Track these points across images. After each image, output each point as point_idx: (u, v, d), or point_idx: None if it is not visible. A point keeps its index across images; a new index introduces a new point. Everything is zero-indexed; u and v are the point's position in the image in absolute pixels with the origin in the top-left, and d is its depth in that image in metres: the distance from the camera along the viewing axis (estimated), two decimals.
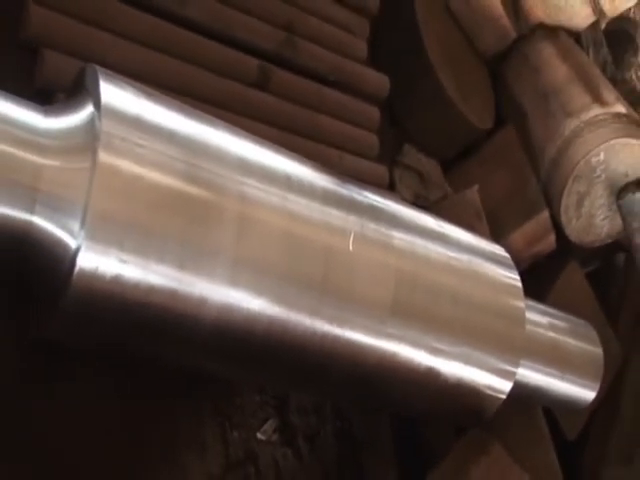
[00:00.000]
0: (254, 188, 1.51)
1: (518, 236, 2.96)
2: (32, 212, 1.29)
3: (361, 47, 2.75)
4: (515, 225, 2.97)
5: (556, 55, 3.36)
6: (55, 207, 1.30)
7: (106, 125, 1.32)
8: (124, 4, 1.95)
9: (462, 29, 3.29)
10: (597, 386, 2.49)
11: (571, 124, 3.12)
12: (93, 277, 1.30)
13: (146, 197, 1.34)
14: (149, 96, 1.49)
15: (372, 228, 1.73)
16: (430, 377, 1.85)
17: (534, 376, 2.23)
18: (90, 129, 1.34)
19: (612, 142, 2.99)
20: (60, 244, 1.31)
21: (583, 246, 3.29)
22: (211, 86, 2.11)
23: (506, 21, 3.27)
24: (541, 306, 2.40)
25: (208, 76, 2.12)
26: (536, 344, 2.22)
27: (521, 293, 2.10)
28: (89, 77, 1.44)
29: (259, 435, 1.98)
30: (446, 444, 2.25)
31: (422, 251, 1.85)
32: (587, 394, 2.47)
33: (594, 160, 3.02)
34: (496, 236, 2.72)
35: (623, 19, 3.87)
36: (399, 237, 1.78)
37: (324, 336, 1.61)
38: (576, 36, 3.63)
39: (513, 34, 3.33)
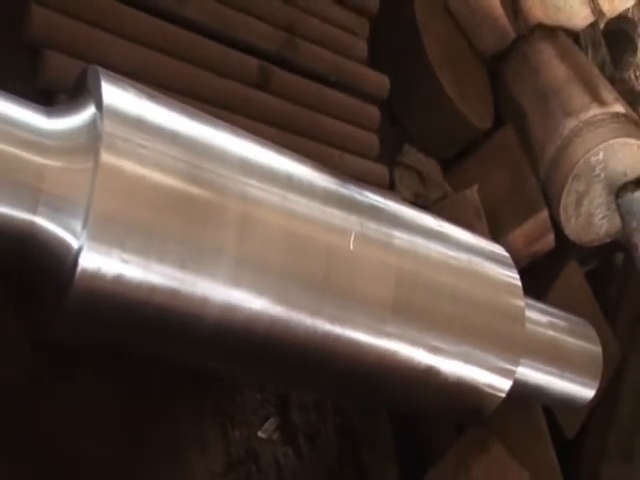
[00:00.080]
0: (255, 188, 1.51)
1: (517, 235, 2.96)
2: (35, 212, 1.29)
3: (361, 47, 2.75)
4: (514, 224, 2.98)
5: (555, 55, 3.37)
6: (57, 207, 1.31)
7: (108, 126, 1.33)
8: (126, 5, 1.96)
9: (461, 29, 3.30)
10: (596, 384, 2.50)
11: (570, 124, 3.13)
12: (95, 277, 1.30)
13: (148, 197, 1.35)
14: (151, 97, 1.49)
15: (373, 228, 1.73)
16: (430, 375, 1.85)
17: (534, 374, 2.24)
18: (92, 130, 1.35)
19: (611, 142, 3.00)
20: (62, 244, 1.31)
21: (582, 245, 3.30)
22: (212, 86, 2.12)
23: (505, 21, 3.27)
24: (540, 305, 2.41)
25: (209, 76, 2.12)
26: (536, 343, 2.23)
27: (521, 292, 2.11)
28: (91, 78, 1.45)
29: (260, 433, 1.99)
30: (446, 442, 2.25)
31: (422, 250, 1.86)
32: (586, 392, 2.48)
33: (593, 159, 3.03)
34: (495, 235, 2.73)
35: (622, 19, 3.88)
36: (399, 236, 1.79)
37: (325, 335, 1.62)
38: (575, 36, 3.64)
39: (512, 34, 3.34)
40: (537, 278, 2.79)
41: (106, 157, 1.31)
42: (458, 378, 1.91)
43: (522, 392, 2.21)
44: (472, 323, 1.93)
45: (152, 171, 1.36)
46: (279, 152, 1.69)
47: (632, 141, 3.01)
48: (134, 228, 1.33)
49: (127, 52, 1.91)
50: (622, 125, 3.07)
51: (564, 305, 2.58)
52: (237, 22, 2.27)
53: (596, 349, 2.54)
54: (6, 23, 1.75)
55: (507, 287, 2.09)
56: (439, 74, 2.92)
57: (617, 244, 3.44)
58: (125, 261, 1.32)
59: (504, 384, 2.04)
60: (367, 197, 1.81)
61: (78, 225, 1.29)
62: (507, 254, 2.21)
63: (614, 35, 3.95)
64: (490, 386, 2.01)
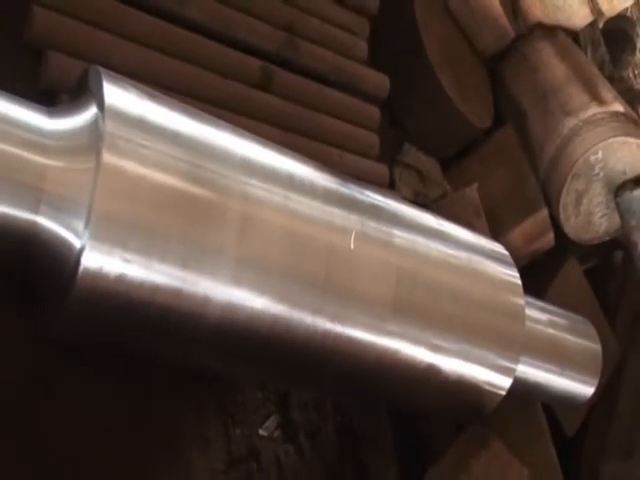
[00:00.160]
0: (257, 188, 1.52)
1: (517, 234, 2.97)
2: (37, 212, 1.30)
3: (361, 47, 2.76)
4: (514, 223, 2.98)
5: (554, 54, 3.37)
6: (59, 207, 1.31)
7: (110, 126, 1.34)
8: (126, 5, 1.97)
9: (461, 29, 3.30)
10: (596, 382, 2.50)
11: (570, 123, 3.13)
12: (97, 276, 1.31)
13: (150, 197, 1.36)
14: (152, 97, 1.50)
15: (373, 227, 1.74)
16: (431, 374, 1.86)
17: (533, 372, 2.24)
18: (94, 130, 1.36)
19: (610, 140, 3.01)
20: (65, 244, 1.32)
21: (581, 243, 3.31)
22: (214, 87, 2.13)
23: (505, 21, 3.27)
24: (540, 303, 2.42)
25: (210, 77, 2.13)
26: (535, 341, 2.23)
27: (521, 290, 2.12)
28: (92, 78, 1.45)
29: (261, 431, 1.99)
30: (446, 440, 2.26)
31: (422, 249, 1.87)
32: (586, 390, 2.49)
33: (592, 158, 3.03)
34: (495, 234, 2.74)
35: (621, 18, 3.88)
36: (400, 235, 1.80)
37: (326, 334, 1.62)
38: (574, 35, 3.65)
39: (512, 34, 3.34)
40: (537, 276, 2.80)
41: (108, 157, 1.31)
42: (458, 376, 1.92)
43: (522, 390, 2.21)
44: (472, 321, 1.93)
45: (154, 171, 1.37)
46: (280, 152, 1.69)
47: (631, 140, 3.01)
48: (136, 228, 1.34)
49: (128, 52, 1.91)
50: (621, 124, 3.08)
51: (564, 303, 2.59)
52: (237, 22, 2.27)
53: (596, 347, 2.54)
54: (7, 23, 1.75)
55: (507, 285, 2.10)
56: (439, 74, 2.93)
57: (616, 242, 3.45)
58: (127, 261, 1.32)
59: (504, 382, 2.04)
60: (367, 196, 1.82)
61: (80, 225, 1.30)
62: (507, 252, 2.22)
63: (613, 34, 3.95)
64: (490, 384, 2.02)
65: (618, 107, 3.15)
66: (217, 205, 1.44)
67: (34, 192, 1.29)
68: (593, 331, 2.58)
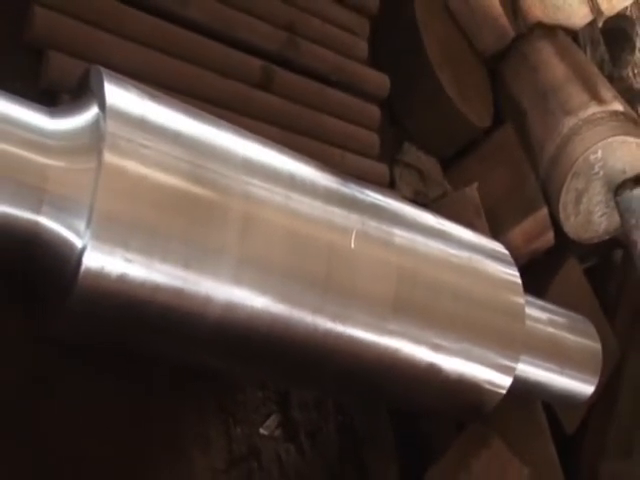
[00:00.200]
0: (258, 188, 1.52)
1: (517, 233, 2.97)
2: (38, 212, 1.30)
3: (362, 47, 2.76)
4: (514, 222, 2.99)
5: (554, 54, 3.37)
6: (61, 207, 1.32)
7: (111, 126, 1.34)
8: (128, 6, 1.97)
9: (461, 29, 3.30)
10: (596, 381, 2.51)
11: (569, 122, 3.13)
12: (99, 276, 1.31)
13: (151, 197, 1.36)
14: (153, 97, 1.50)
15: (373, 226, 1.74)
16: (431, 373, 1.86)
17: (534, 371, 2.25)
18: (95, 130, 1.36)
19: (610, 140, 3.01)
20: (66, 244, 1.32)
21: (581, 242, 3.31)
22: (214, 87, 2.13)
23: (505, 20, 3.28)
24: (540, 302, 2.42)
25: (211, 77, 2.13)
26: (535, 339, 2.24)
27: (521, 289, 2.12)
28: (93, 78, 1.46)
29: (262, 430, 2.00)
30: (446, 440, 2.26)
31: (423, 248, 1.87)
32: (586, 389, 2.49)
33: (592, 157, 3.04)
34: (495, 233, 2.74)
35: (620, 17, 3.89)
36: (400, 235, 1.80)
37: (327, 333, 1.63)
38: (574, 35, 3.65)
39: (512, 33, 3.35)
40: (537, 275, 2.80)
41: (109, 157, 1.32)
42: (459, 375, 1.92)
43: (522, 389, 2.22)
44: (473, 320, 1.94)
45: (155, 171, 1.37)
46: (281, 152, 1.70)
47: (631, 139, 3.02)
48: (137, 228, 1.34)
49: (129, 52, 1.91)
50: (621, 123, 3.08)
51: (563, 302, 2.59)
52: (238, 22, 2.28)
53: (595, 346, 2.55)
54: (8, 23, 1.75)
55: (507, 285, 2.10)
56: (439, 73, 2.93)
57: (616, 241, 3.45)
58: (128, 260, 1.33)
59: (504, 381, 2.05)
60: (368, 196, 1.82)
61: (82, 225, 1.30)
62: (507, 252, 2.22)
63: (612, 33, 3.95)
64: (491, 383, 2.03)
65: (618, 106, 3.16)
66: (218, 205, 1.45)
67: (36, 192, 1.30)
68: (593, 330, 2.59)
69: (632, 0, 3.64)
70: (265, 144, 1.68)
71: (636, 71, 4.04)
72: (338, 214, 1.68)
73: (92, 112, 1.40)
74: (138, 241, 1.34)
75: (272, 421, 2.03)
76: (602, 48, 3.83)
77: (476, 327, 1.95)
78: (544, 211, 3.05)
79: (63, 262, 1.34)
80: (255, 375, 1.97)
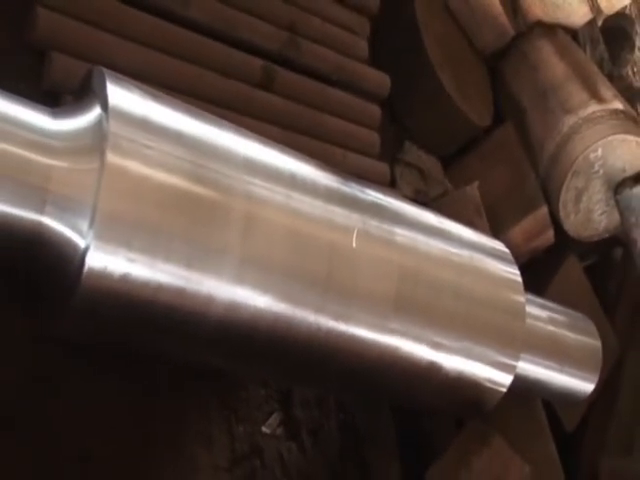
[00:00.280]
0: (260, 187, 1.53)
1: (517, 231, 2.98)
2: (42, 212, 1.31)
3: (362, 47, 2.76)
4: (514, 220, 2.99)
5: (554, 53, 3.38)
6: (64, 207, 1.32)
7: (114, 126, 1.35)
8: (129, 6, 1.97)
9: (461, 28, 3.31)
10: (596, 378, 2.51)
11: (569, 121, 3.14)
12: (102, 276, 1.32)
13: (154, 197, 1.37)
14: (155, 97, 1.51)
15: (375, 225, 1.75)
16: (432, 371, 1.87)
17: (534, 369, 2.25)
18: (98, 130, 1.37)
19: (610, 138, 3.02)
20: (69, 244, 1.33)
21: (581, 241, 3.32)
22: (216, 86, 2.13)
23: (504, 19, 3.28)
24: (540, 300, 2.42)
25: (213, 77, 2.13)
26: (536, 338, 2.24)
27: (521, 288, 2.13)
28: (96, 79, 1.46)
29: (264, 429, 2.00)
30: (447, 437, 2.27)
31: (424, 247, 1.88)
32: (586, 386, 2.50)
33: (592, 156, 3.04)
34: (495, 231, 2.75)
35: (619, 16, 3.89)
36: (401, 234, 1.81)
37: (328, 332, 1.63)
38: (573, 33, 3.66)
39: (511, 32, 3.35)
40: (537, 273, 2.80)
41: (112, 157, 1.32)
42: (460, 373, 1.93)
43: (522, 387, 2.22)
44: (473, 319, 1.94)
45: (157, 171, 1.38)
46: (283, 151, 1.70)
47: (631, 137, 3.02)
48: (140, 227, 1.35)
49: (131, 53, 1.92)
50: (621, 122, 3.08)
51: (563, 300, 2.60)
52: (239, 22, 2.28)
53: (595, 343, 2.55)
54: (11, 25, 1.76)
55: (508, 283, 2.11)
56: (439, 73, 2.93)
57: (616, 239, 3.46)
58: (131, 260, 1.33)
59: (505, 379, 2.06)
60: (369, 195, 1.83)
61: (85, 225, 1.31)
62: (507, 250, 2.23)
63: (612, 32, 3.95)
64: (491, 381, 2.03)
65: (617, 105, 3.16)
66: (220, 205, 1.46)
67: (39, 192, 1.30)
68: (593, 328, 2.59)
69: None
70: (266, 144, 1.68)
71: (635, 70, 4.04)
72: (339, 213, 1.68)
73: (95, 113, 1.40)
74: (141, 241, 1.34)
75: (274, 419, 2.04)
76: (602, 47, 3.83)
77: (477, 325, 1.96)
78: (544, 209, 3.05)
79: (66, 262, 1.34)
80: (257, 374, 1.97)
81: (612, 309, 3.52)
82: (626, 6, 3.85)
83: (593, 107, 3.14)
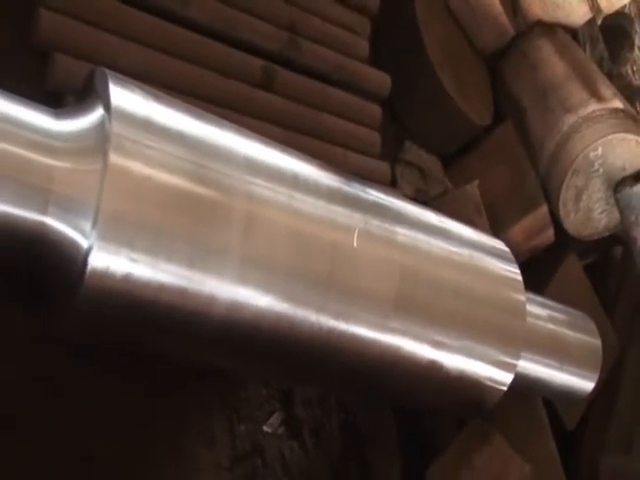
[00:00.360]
0: (261, 187, 1.53)
1: (517, 230, 2.98)
2: (45, 213, 1.32)
3: (363, 46, 2.77)
4: (514, 219, 3.00)
5: (554, 52, 3.38)
6: (67, 208, 1.33)
7: (116, 127, 1.35)
8: (131, 7, 1.97)
9: (461, 27, 3.31)
10: (596, 377, 2.51)
11: (569, 119, 3.14)
12: (105, 276, 1.32)
13: (156, 197, 1.37)
14: (157, 98, 1.51)
15: (376, 225, 1.75)
16: (433, 370, 1.88)
17: (534, 368, 2.25)
18: (100, 131, 1.37)
19: (610, 137, 3.02)
20: (72, 244, 1.34)
21: (581, 239, 3.32)
22: (216, 87, 2.14)
23: (504, 19, 3.29)
24: (540, 299, 2.42)
25: (213, 77, 2.14)
26: (536, 336, 2.24)
27: (522, 286, 2.13)
28: (98, 80, 1.47)
29: (265, 428, 2.01)
30: (449, 436, 2.27)
31: (425, 246, 1.88)
32: (586, 385, 2.50)
33: (592, 155, 3.05)
34: (495, 230, 2.75)
35: (619, 15, 3.90)
36: (402, 233, 1.81)
37: (330, 331, 1.64)
38: (573, 32, 3.66)
39: (511, 31, 3.36)
40: (537, 272, 2.81)
41: (114, 158, 1.33)
42: (460, 372, 1.93)
43: (523, 385, 2.22)
44: (474, 318, 1.94)
45: (160, 171, 1.38)
46: (284, 151, 1.70)
47: (630, 136, 3.03)
48: (142, 228, 1.35)
49: (132, 53, 1.92)
50: (620, 121, 3.09)
51: (563, 298, 2.60)
52: (240, 22, 2.28)
53: (595, 342, 2.55)
54: (14, 26, 1.76)
55: (508, 282, 2.11)
56: (439, 72, 2.94)
57: (616, 238, 3.47)
58: (134, 260, 1.34)
59: (506, 378, 2.06)
60: (370, 194, 1.83)
61: (87, 225, 1.31)
62: (507, 249, 2.23)
63: (611, 31, 3.96)
64: (492, 380, 2.04)
65: (617, 104, 3.16)
66: (222, 205, 1.46)
67: (42, 193, 1.31)
68: (593, 326, 2.59)
69: None
70: (267, 144, 1.68)
71: (635, 68, 4.05)
72: (341, 213, 1.69)
73: (97, 113, 1.41)
74: (143, 241, 1.35)
75: (275, 418, 2.04)
76: (601, 46, 3.84)
77: (477, 324, 1.96)
78: (544, 208, 3.06)
79: (69, 262, 1.35)
80: (259, 373, 1.98)
81: (612, 307, 3.53)
82: (625, 5, 3.85)
83: (593, 106, 3.14)
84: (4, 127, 1.30)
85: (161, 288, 1.39)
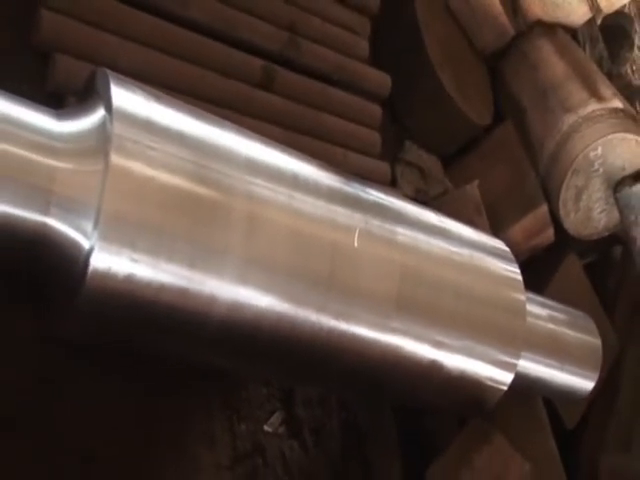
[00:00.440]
0: (262, 187, 1.54)
1: (517, 230, 2.98)
2: (46, 214, 1.32)
3: (363, 46, 2.77)
4: (514, 219, 3.00)
5: (554, 52, 3.39)
6: (69, 209, 1.33)
7: (117, 128, 1.35)
8: (132, 8, 1.98)
9: (461, 27, 3.31)
10: (596, 376, 2.52)
11: (569, 119, 3.15)
12: (106, 277, 1.32)
13: (157, 198, 1.37)
14: (158, 99, 1.51)
15: (376, 225, 1.76)
16: (433, 370, 1.88)
17: (534, 367, 2.26)
18: (102, 132, 1.37)
19: (609, 137, 3.02)
20: (74, 245, 1.34)
21: (581, 239, 3.33)
22: (216, 87, 2.14)
23: (504, 19, 3.29)
24: (540, 298, 2.43)
25: (213, 77, 2.14)
26: (536, 336, 2.25)
27: (522, 286, 2.13)
28: (100, 81, 1.47)
29: (266, 427, 2.01)
30: (450, 436, 2.27)
31: (425, 246, 1.88)
32: (586, 384, 2.50)
33: (592, 154, 3.05)
34: (495, 230, 2.76)
35: (619, 15, 3.90)
36: (403, 233, 1.81)
37: (330, 331, 1.64)
38: (573, 32, 3.66)
39: (511, 31, 3.36)
40: (537, 271, 2.81)
41: (116, 159, 1.33)
42: (461, 372, 1.94)
43: (523, 385, 2.23)
44: (474, 318, 1.95)
45: (161, 172, 1.38)
46: (284, 151, 1.71)
47: (630, 136, 3.03)
48: (144, 228, 1.35)
49: (133, 54, 1.92)
50: (620, 120, 3.09)
51: (563, 298, 2.60)
52: (240, 22, 2.28)
53: (595, 341, 2.55)
54: (15, 27, 1.76)
55: (508, 281, 2.12)
56: (439, 72, 2.94)
57: (615, 237, 3.47)
58: (135, 261, 1.34)
59: (506, 377, 2.06)
60: (370, 194, 1.84)
61: (89, 226, 1.32)
62: (507, 249, 2.23)
63: (611, 31, 3.97)
64: (492, 379, 2.04)
65: (617, 103, 3.17)
66: (223, 205, 1.46)
67: (44, 194, 1.31)
68: (593, 326, 2.59)
69: None
70: (268, 144, 1.69)
71: (634, 68, 4.06)
72: (341, 213, 1.69)
73: (99, 114, 1.41)
74: (145, 241, 1.35)
75: (276, 418, 2.04)
76: (601, 45, 3.84)
77: (478, 324, 1.96)
78: (544, 208, 3.06)
79: (71, 263, 1.35)
80: (260, 373, 1.98)
81: (612, 307, 3.53)
82: (625, 5, 3.85)
83: (593, 106, 3.14)
84: (6, 128, 1.30)
85: (162, 288, 1.39)
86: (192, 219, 1.42)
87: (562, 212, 3.18)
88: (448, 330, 1.87)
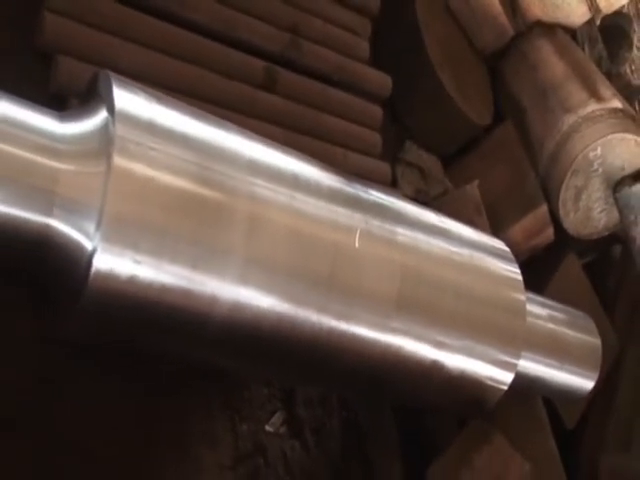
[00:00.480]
0: (263, 188, 1.54)
1: (517, 230, 2.99)
2: (49, 215, 1.32)
3: (363, 47, 2.77)
4: (514, 219, 3.00)
5: (554, 52, 3.39)
6: (72, 210, 1.34)
7: (120, 130, 1.36)
8: (134, 10, 1.98)
9: (461, 28, 3.31)
10: (595, 376, 2.52)
11: (569, 119, 3.15)
12: (109, 278, 1.33)
13: (160, 199, 1.38)
14: (161, 100, 1.52)
15: (377, 225, 1.76)
16: (434, 370, 1.88)
17: (534, 367, 2.26)
18: (104, 134, 1.38)
19: (609, 137, 3.03)
20: (77, 246, 1.34)
21: (580, 239, 3.33)
22: (218, 88, 2.14)
23: (504, 19, 3.29)
24: (540, 298, 2.43)
25: (215, 78, 2.14)
26: (536, 336, 2.25)
27: (522, 286, 2.13)
28: (102, 83, 1.47)
29: (267, 427, 2.01)
30: (450, 435, 2.28)
31: (425, 246, 1.89)
32: (586, 384, 2.51)
33: (592, 154, 3.06)
34: (495, 230, 2.76)
35: (618, 15, 3.90)
36: (403, 233, 1.82)
37: (331, 331, 1.64)
38: (572, 32, 3.67)
39: (511, 32, 3.36)
40: (537, 271, 2.81)
41: (118, 160, 1.33)
42: (461, 372, 1.94)
43: (523, 384, 2.23)
44: (475, 318, 1.95)
45: (163, 173, 1.39)
46: (286, 152, 1.71)
47: (629, 136, 3.04)
48: (146, 230, 1.36)
49: (134, 55, 1.92)
50: (620, 120, 3.10)
51: (563, 297, 2.60)
52: (241, 24, 2.28)
53: (595, 341, 2.56)
54: (18, 28, 1.76)
55: (508, 281, 2.12)
56: (439, 73, 2.94)
57: (615, 237, 3.47)
58: (138, 262, 1.35)
59: (506, 377, 2.07)
60: (371, 195, 1.84)
61: (92, 227, 1.32)
62: (507, 249, 2.23)
63: (610, 31, 3.97)
64: (492, 379, 2.04)
65: (616, 104, 3.17)
66: (225, 206, 1.47)
67: (47, 195, 1.32)
68: (592, 325, 2.60)
69: None
70: (269, 145, 1.69)
71: (633, 68, 4.06)
72: (342, 213, 1.69)
73: (101, 116, 1.42)
74: (147, 243, 1.35)
75: (277, 418, 2.05)
76: (600, 45, 3.85)
77: (478, 324, 1.97)
78: (544, 208, 3.06)
79: (73, 264, 1.35)
80: (261, 373, 1.98)
81: (611, 306, 3.53)
82: (624, 5, 3.85)
83: (592, 106, 3.15)
84: (9, 130, 1.31)
85: (164, 289, 1.39)
86: (195, 220, 1.42)
87: (562, 212, 3.19)
88: (448, 330, 1.88)
